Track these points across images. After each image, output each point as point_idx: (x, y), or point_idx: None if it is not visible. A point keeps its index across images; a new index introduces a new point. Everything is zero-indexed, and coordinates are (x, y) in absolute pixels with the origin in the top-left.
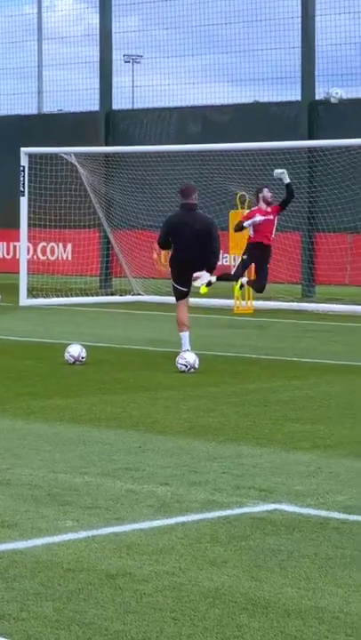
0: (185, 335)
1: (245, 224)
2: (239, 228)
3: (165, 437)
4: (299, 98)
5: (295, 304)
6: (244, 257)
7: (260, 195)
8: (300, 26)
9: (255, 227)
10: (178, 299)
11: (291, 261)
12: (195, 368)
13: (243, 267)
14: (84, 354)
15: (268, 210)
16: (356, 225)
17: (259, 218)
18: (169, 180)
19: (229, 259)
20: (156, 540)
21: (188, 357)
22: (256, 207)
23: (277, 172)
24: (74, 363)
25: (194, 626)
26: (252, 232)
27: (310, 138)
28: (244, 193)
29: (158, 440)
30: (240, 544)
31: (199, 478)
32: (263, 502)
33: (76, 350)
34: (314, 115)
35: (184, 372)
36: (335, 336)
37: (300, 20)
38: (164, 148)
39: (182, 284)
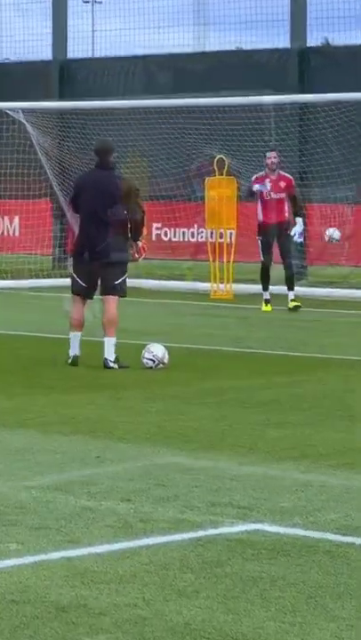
0: (74, 336)
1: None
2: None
3: (128, 445)
4: (288, 45)
5: (282, 287)
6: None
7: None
8: None
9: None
10: (73, 292)
11: None
12: (163, 363)
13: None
14: None
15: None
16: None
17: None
18: (134, 140)
19: (206, 234)
20: (116, 567)
21: (156, 351)
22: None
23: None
24: None
25: None
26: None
27: (301, 92)
28: (222, 156)
29: (119, 448)
30: (214, 571)
31: (167, 493)
32: (242, 522)
33: None
34: (305, 64)
35: (151, 367)
36: (330, 325)
37: None
38: (129, 104)
39: (80, 275)
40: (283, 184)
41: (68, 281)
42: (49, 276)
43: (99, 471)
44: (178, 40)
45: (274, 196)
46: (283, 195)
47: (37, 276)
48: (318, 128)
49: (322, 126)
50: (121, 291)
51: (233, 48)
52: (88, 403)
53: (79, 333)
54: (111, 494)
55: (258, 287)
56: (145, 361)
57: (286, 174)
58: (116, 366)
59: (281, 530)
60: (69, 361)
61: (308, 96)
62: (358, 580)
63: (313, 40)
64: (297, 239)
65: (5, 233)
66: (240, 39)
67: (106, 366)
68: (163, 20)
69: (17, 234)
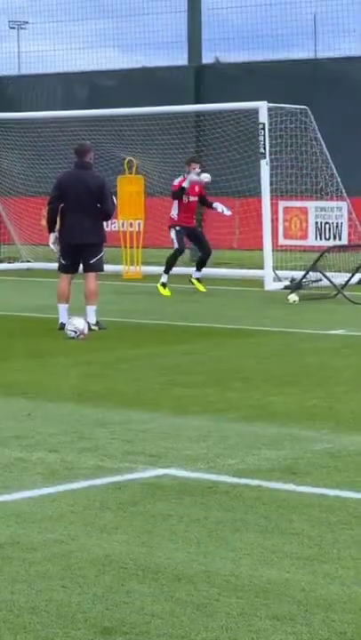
0: (62, 307)
1: (185, 184)
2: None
3: (54, 404)
4: (186, 62)
5: (183, 269)
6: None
7: (190, 167)
8: None
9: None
10: (60, 271)
11: None
12: (84, 334)
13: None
14: None
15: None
16: (243, 189)
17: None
18: (57, 146)
19: (118, 224)
20: (45, 508)
21: (77, 324)
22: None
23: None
24: None
25: (83, 593)
26: (176, 212)
27: (197, 102)
28: (131, 158)
29: (47, 407)
30: (130, 510)
31: (88, 445)
32: (153, 467)
33: None
34: (201, 79)
35: (73, 338)
36: (224, 300)
37: None
38: (52, 114)
39: (66, 258)
40: (197, 188)
41: (0, 266)
42: None
43: (30, 427)
44: (91, 60)
45: (191, 199)
46: (196, 198)
47: None
48: (212, 133)
49: (215, 131)
50: (98, 267)
51: (138, 66)
52: (19, 369)
53: (66, 305)
54: (40, 446)
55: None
56: (68, 332)
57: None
58: (96, 328)
59: (186, 474)
60: (58, 327)
61: (201, 106)
62: (252, 515)
63: (207, 58)
64: (226, 212)
65: None
66: (145, 58)
67: (89, 329)
68: (81, 43)
69: None
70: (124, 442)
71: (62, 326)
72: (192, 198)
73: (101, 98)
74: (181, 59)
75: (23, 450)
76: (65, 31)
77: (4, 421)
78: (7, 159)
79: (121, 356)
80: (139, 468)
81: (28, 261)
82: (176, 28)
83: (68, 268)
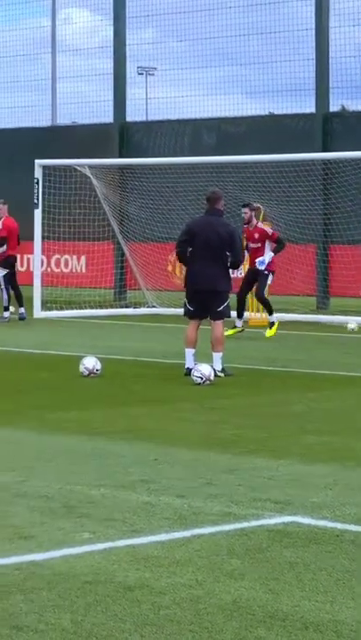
0: (188, 352)
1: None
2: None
3: (181, 450)
4: (313, 110)
5: (310, 316)
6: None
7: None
8: (314, 37)
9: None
10: (186, 316)
11: (306, 273)
12: (210, 380)
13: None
14: (98, 366)
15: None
16: None
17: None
18: (183, 192)
19: (244, 271)
20: (173, 553)
21: (204, 370)
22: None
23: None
24: (88, 375)
25: (211, 638)
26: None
27: (325, 150)
28: (259, 205)
29: (174, 452)
30: (257, 556)
31: (215, 491)
32: (280, 514)
33: (90, 362)
34: (328, 127)
35: (199, 384)
36: (350, 348)
37: (314, 31)
38: (179, 160)
39: (192, 303)
40: (257, 235)
41: (126, 311)
42: (110, 307)
43: (157, 472)
44: (218, 106)
45: (252, 245)
46: (258, 244)
47: (100, 307)
48: (339, 181)
49: (342, 179)
50: (225, 314)
51: (265, 113)
52: (146, 414)
53: (193, 350)
54: (168, 491)
55: (290, 315)
56: (194, 378)
57: (262, 226)
58: (222, 374)
59: (312, 522)
60: (184, 372)
61: (329, 154)
62: None
63: (335, 105)
64: (259, 266)
65: (74, 270)
66: (271, 105)
67: (216, 375)
68: (208, 89)
69: (84, 270)
70: (251, 488)
71: (188, 372)
72: (253, 245)
73: (228, 144)
74: (309, 106)
75: (151, 494)
76: (192, 77)
77: (131, 466)
78: (134, 204)
79: (247, 403)
80: (265, 514)
81: (154, 306)
82: (303, 75)
83: (195, 313)
